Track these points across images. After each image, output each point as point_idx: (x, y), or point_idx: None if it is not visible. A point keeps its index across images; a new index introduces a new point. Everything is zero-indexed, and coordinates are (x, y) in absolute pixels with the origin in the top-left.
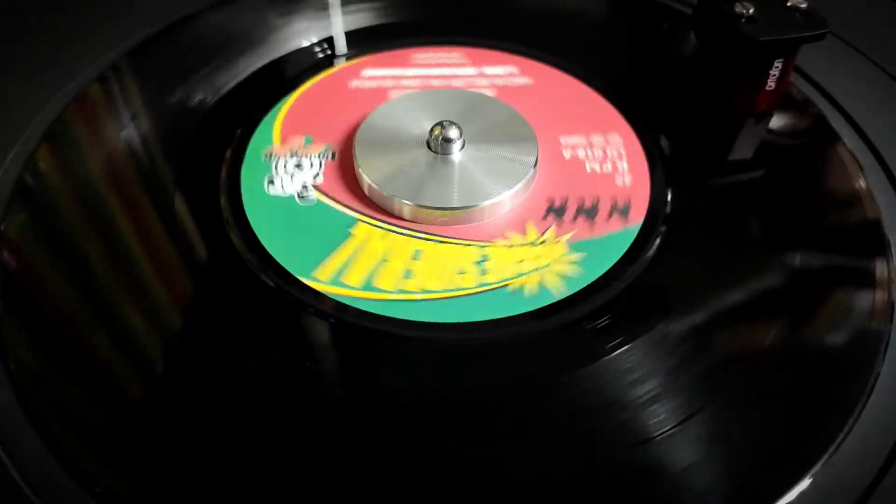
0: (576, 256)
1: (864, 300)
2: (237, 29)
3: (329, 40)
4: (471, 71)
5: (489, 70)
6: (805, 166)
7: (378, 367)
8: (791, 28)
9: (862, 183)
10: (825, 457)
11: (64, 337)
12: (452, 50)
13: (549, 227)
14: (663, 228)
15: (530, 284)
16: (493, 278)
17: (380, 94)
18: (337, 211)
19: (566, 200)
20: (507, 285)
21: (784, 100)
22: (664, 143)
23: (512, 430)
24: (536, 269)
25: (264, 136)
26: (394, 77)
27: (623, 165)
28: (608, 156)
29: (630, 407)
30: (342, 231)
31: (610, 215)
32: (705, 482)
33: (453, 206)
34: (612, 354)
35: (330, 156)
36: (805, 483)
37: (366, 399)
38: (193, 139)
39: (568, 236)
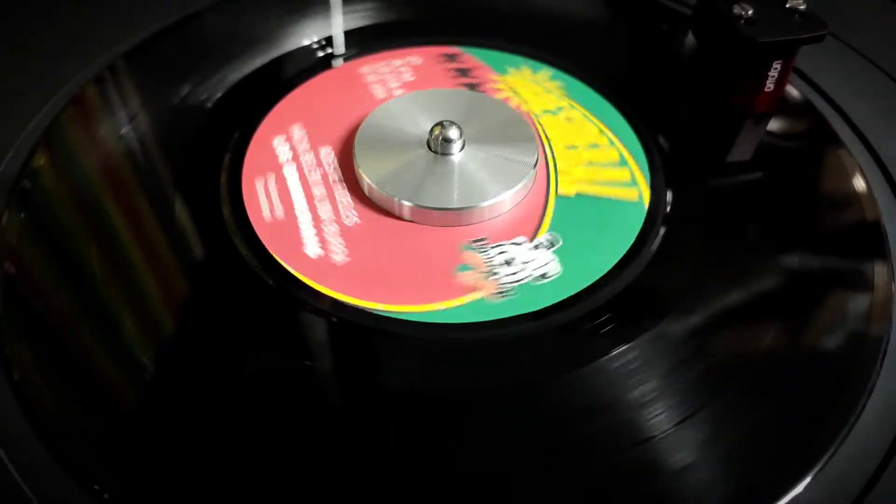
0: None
1: (864, 300)
2: (237, 29)
3: (329, 39)
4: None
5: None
6: (804, 167)
7: (380, 367)
8: (790, 29)
9: (861, 184)
10: (825, 457)
11: (64, 337)
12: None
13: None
14: (663, 229)
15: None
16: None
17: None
18: (553, 211)
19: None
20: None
21: (783, 101)
22: (664, 143)
23: (511, 430)
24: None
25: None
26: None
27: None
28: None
29: (630, 407)
30: (601, 205)
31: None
32: (705, 482)
33: (453, 206)
34: (612, 354)
35: (483, 245)
36: (805, 483)
37: (367, 399)
38: (194, 140)
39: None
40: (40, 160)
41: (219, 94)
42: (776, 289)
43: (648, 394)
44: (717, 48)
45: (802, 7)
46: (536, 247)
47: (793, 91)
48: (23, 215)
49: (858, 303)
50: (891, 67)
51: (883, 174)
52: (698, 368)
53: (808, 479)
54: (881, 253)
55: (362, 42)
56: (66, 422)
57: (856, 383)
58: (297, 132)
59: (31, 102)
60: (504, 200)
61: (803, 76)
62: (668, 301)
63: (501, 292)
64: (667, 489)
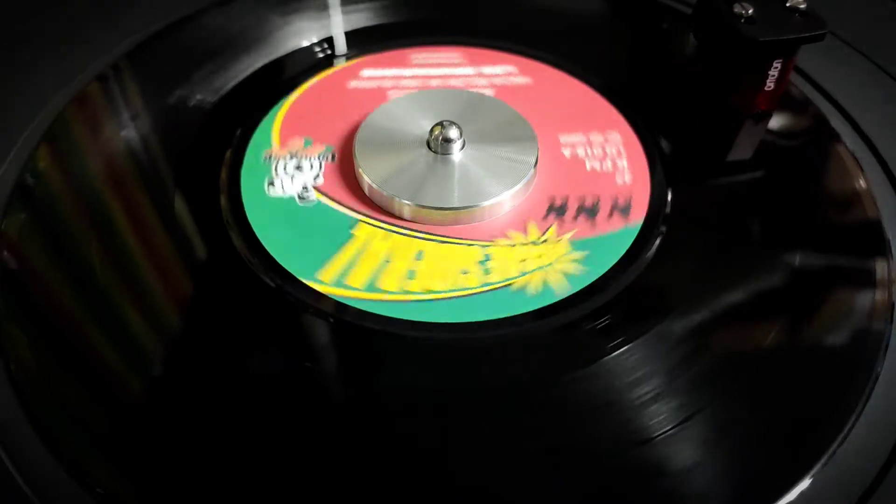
0: (578, 255)
1: (864, 300)
2: (237, 29)
3: (329, 40)
4: (469, 71)
5: (488, 70)
6: (805, 166)
7: (379, 367)
8: (790, 29)
9: (862, 183)
10: (825, 457)
11: (64, 337)
12: (451, 50)
13: (551, 226)
14: (663, 228)
15: (534, 283)
16: (496, 277)
17: (378, 95)
18: (338, 212)
19: (567, 199)
20: (510, 284)
21: (784, 100)
22: (664, 143)
23: (512, 431)
24: (540, 268)
25: (264, 136)
26: (393, 77)
27: (623, 163)
28: (608, 154)
29: (630, 407)
30: (344, 232)
31: (611, 214)
32: (705, 482)
33: (453, 206)
34: (613, 354)
35: (330, 157)
36: (805, 483)
37: (367, 400)
38: (194, 139)
39: (569, 235)
40: (42, 159)
41: (220, 95)
42: (776, 288)
43: (649, 394)
44: (717, 48)
45: (803, 6)
46: (305, 188)
47: (793, 90)
48: (24, 214)
49: (859, 302)
50: (891, 67)
51: (884, 172)
52: (699, 368)
53: (808, 480)
54: (881, 252)
55: (363, 42)
56: (66, 421)
57: (856, 383)
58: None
59: (33, 102)
60: (504, 200)
61: (804, 75)
62: (668, 301)
63: (267, 158)
64: (666, 489)
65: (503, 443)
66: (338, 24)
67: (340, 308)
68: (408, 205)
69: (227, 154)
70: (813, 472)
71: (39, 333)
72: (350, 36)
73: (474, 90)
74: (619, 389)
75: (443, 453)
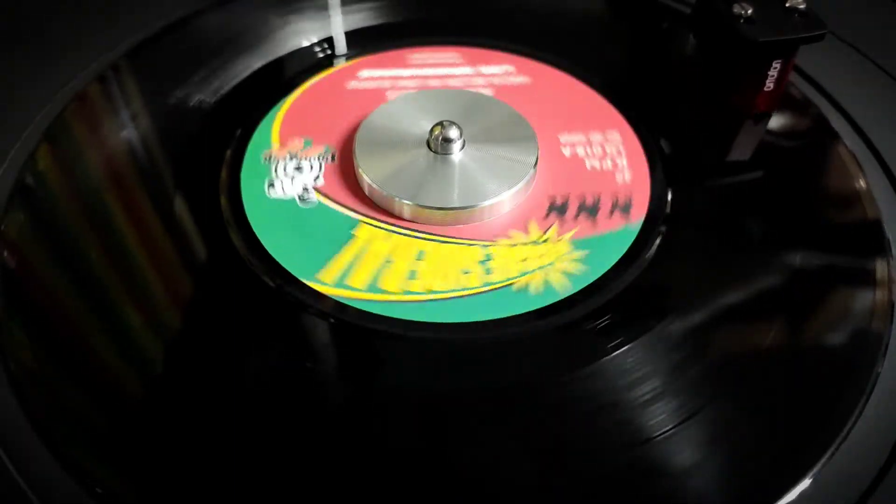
0: (579, 254)
1: (864, 300)
2: (237, 29)
3: (329, 40)
4: (467, 70)
5: (486, 69)
6: (805, 166)
7: (380, 367)
8: (789, 29)
9: (862, 183)
10: (825, 457)
11: (64, 337)
12: (449, 50)
13: (552, 225)
14: (663, 228)
15: (535, 283)
16: (497, 277)
17: (377, 95)
18: (339, 213)
19: (567, 198)
20: (511, 284)
21: (783, 100)
22: (664, 143)
23: (512, 430)
24: (541, 268)
25: (263, 137)
26: (391, 78)
27: (622, 162)
28: (608, 153)
29: (630, 407)
30: (345, 233)
31: (611, 213)
32: (705, 483)
33: (453, 206)
34: (613, 354)
35: (330, 157)
36: (805, 483)
37: (368, 400)
38: (193, 139)
39: (570, 234)
40: (42, 159)
41: (220, 95)
42: (776, 288)
43: (648, 394)
44: (716, 48)
45: (802, 6)
46: (306, 189)
47: (793, 90)
48: (24, 213)
49: (858, 302)
50: (891, 67)
51: (883, 172)
52: (698, 368)
53: (808, 480)
54: (881, 252)
55: (363, 42)
56: (66, 421)
57: (856, 383)
58: None
59: (34, 101)
60: (504, 200)
61: (804, 75)
62: (668, 301)
63: (266, 159)
64: (666, 490)
65: (504, 443)
66: (338, 24)
67: (341, 308)
68: (408, 205)
69: (228, 154)
70: (813, 472)
71: (39, 333)
72: (350, 36)
73: (474, 90)
74: (619, 389)
75: (441, 453)
